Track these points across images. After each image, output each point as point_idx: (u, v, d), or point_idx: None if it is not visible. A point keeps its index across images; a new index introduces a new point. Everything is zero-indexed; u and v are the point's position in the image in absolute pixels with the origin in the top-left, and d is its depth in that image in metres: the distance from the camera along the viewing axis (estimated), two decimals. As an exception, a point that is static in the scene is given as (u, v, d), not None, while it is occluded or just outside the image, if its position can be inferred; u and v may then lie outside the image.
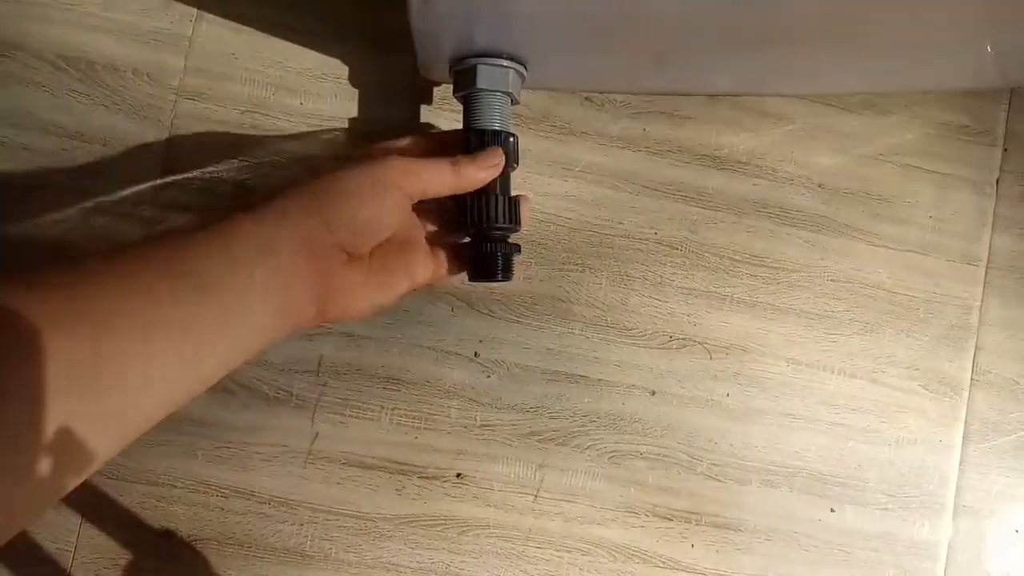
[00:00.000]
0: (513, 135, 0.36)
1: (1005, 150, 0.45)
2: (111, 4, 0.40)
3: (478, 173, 0.34)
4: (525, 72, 0.37)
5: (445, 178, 0.33)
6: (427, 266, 0.35)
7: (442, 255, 0.36)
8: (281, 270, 0.29)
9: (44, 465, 0.22)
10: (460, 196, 0.35)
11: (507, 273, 0.36)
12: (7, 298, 0.23)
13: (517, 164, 0.37)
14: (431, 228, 0.37)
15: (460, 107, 0.37)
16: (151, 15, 0.40)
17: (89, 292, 0.25)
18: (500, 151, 0.35)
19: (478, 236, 0.36)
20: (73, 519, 0.39)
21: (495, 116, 0.36)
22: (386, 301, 0.34)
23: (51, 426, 0.22)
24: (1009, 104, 0.45)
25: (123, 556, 0.39)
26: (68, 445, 0.23)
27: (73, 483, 0.24)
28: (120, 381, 0.24)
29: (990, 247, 0.44)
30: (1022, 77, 0.43)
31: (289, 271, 0.29)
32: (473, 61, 0.35)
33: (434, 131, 0.41)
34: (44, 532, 0.39)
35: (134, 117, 0.40)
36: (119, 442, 0.25)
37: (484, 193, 0.35)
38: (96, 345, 0.24)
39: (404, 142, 0.37)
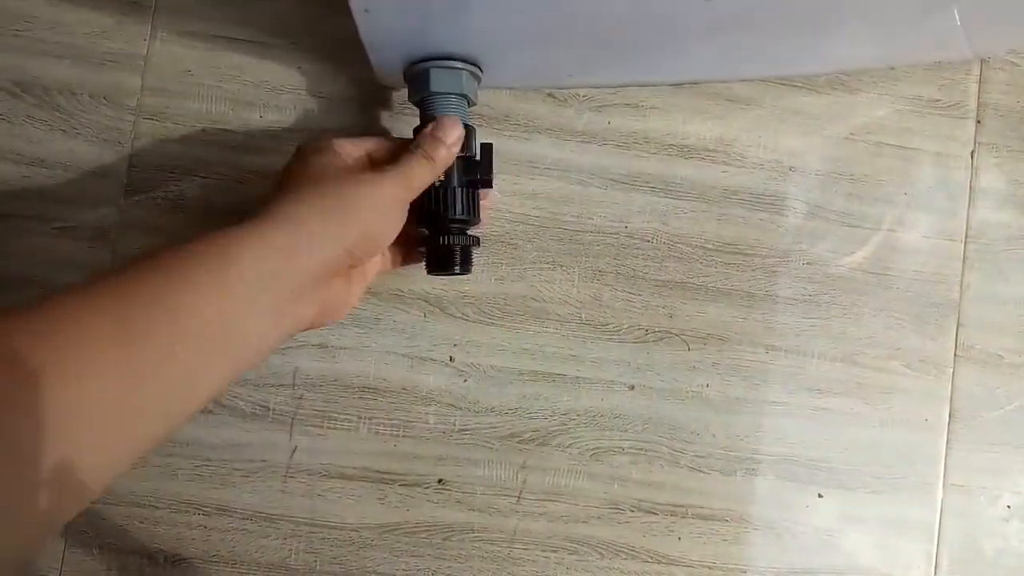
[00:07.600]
0: (472, 128, 0.36)
1: (978, 122, 0.44)
2: (63, 28, 0.39)
3: (451, 150, 0.34)
4: (480, 73, 0.36)
5: (429, 175, 0.34)
6: (376, 260, 0.36)
7: (394, 247, 0.37)
8: (288, 297, 0.29)
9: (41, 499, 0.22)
10: None
11: (465, 266, 0.36)
12: None
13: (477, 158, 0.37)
14: None
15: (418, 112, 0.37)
16: (104, 36, 0.40)
17: (56, 329, 0.23)
18: (457, 119, 0.35)
19: (436, 229, 0.36)
20: (57, 544, 0.39)
21: (451, 118, 0.35)
22: (355, 301, 0.35)
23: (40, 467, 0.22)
24: (980, 75, 0.44)
25: (109, 579, 0.39)
26: (57, 485, 0.23)
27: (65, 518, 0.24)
28: (89, 428, 0.23)
29: (968, 221, 0.44)
30: (991, 47, 0.43)
31: (298, 296, 0.29)
32: (425, 65, 0.35)
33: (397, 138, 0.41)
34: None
35: (93, 140, 0.40)
36: (101, 479, 0.25)
37: (442, 186, 0.35)
38: (65, 389, 0.23)
39: (371, 145, 0.35)
